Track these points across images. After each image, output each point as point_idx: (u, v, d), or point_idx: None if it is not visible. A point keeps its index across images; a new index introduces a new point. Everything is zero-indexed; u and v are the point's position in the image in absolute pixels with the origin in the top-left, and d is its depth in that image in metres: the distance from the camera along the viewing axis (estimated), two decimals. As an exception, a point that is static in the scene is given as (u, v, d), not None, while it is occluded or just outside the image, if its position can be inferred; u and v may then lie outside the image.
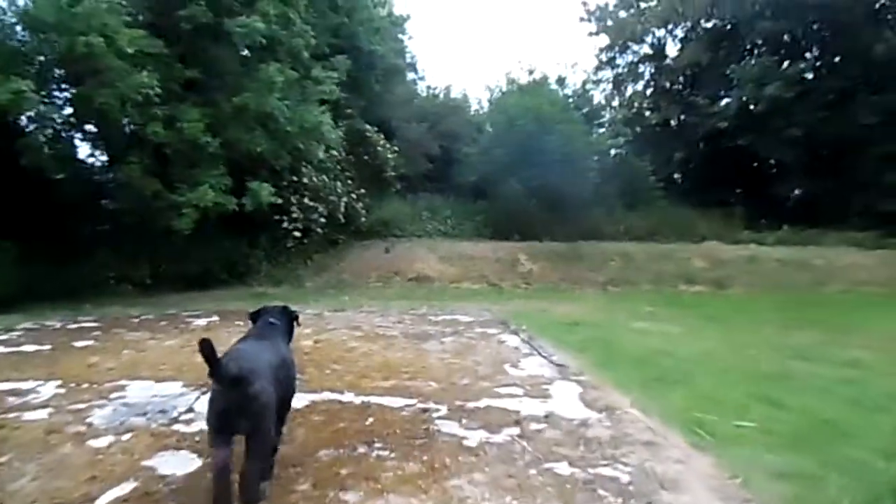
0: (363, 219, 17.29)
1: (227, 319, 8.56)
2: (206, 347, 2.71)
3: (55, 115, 9.71)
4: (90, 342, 6.89)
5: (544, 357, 6.42)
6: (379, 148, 18.15)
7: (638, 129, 27.86)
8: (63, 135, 10.50)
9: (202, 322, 8.35)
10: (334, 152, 16.12)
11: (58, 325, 8.10)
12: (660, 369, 6.57)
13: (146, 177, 10.17)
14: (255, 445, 2.87)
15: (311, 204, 14.78)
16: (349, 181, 16.84)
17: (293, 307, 4.01)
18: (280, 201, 14.15)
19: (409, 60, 26.91)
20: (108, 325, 7.98)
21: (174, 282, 12.93)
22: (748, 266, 18.47)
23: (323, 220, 15.09)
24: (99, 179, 11.14)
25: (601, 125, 25.05)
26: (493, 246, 17.96)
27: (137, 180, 9.94)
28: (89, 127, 10.99)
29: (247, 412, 2.81)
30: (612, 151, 23.79)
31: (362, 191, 17.40)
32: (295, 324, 3.93)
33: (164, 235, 12.21)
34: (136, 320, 8.50)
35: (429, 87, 29.77)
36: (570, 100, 23.47)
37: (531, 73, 24.63)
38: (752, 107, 23.76)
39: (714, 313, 12.77)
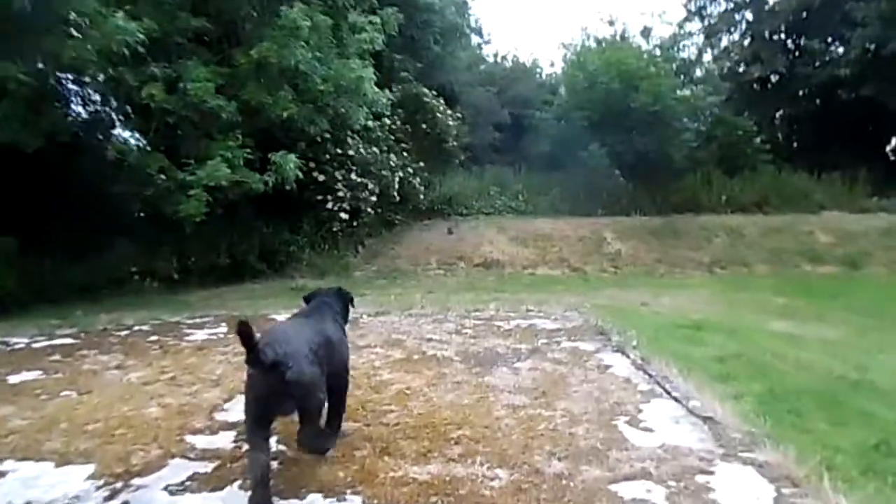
0: (422, 196, 15.12)
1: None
2: (245, 331, 2.66)
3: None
4: (35, 374, 5.03)
5: (678, 401, 4.06)
6: (439, 115, 15.87)
7: (735, 84, 24.35)
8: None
9: (200, 336, 6.40)
10: (386, 120, 13.97)
11: (23, 341, 6.36)
12: (869, 420, 4.10)
13: (148, 151, 8.35)
14: (307, 420, 2.90)
15: (360, 180, 12.73)
16: (405, 153, 14.68)
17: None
18: (322, 178, 12.23)
19: (472, 24, 24.40)
20: (85, 343, 6.15)
21: (204, 275, 11.21)
22: (885, 240, 15.21)
23: (374, 198, 13.03)
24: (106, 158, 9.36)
25: (693, 82, 21.75)
26: (574, 223, 15.43)
27: (136, 157, 8.09)
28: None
29: (290, 396, 2.78)
30: (708, 111, 20.54)
31: (420, 164, 15.20)
32: (350, 306, 3.83)
33: (192, 223, 10.51)
34: (125, 332, 6.67)
35: (495, 54, 27.26)
36: (658, 53, 20.38)
37: (612, 23, 21.68)
38: (878, 51, 19.94)
39: (865, 304, 9.93)
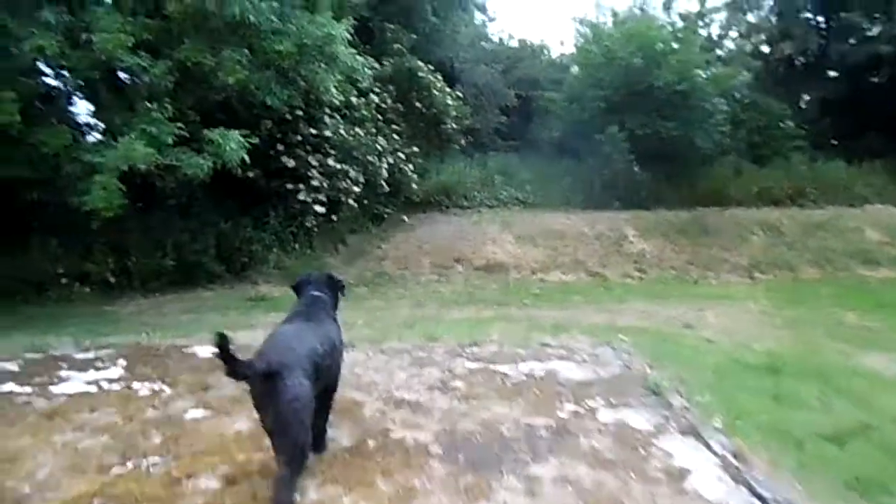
0: (415, 185, 13.08)
1: (134, 371, 4.70)
2: (223, 343, 2.44)
3: None
4: None
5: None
6: (436, 92, 13.81)
7: (761, 65, 22.19)
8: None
9: (73, 385, 4.45)
10: (374, 97, 11.96)
11: None
12: None
13: (43, 127, 6.37)
14: (283, 446, 2.59)
15: (340, 166, 10.72)
16: (395, 136, 12.65)
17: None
18: (293, 163, 10.24)
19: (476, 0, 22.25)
20: None
21: (148, 280, 9.28)
22: (946, 238, 13.26)
23: (357, 188, 11.02)
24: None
25: (720, 60, 19.56)
26: (589, 218, 13.42)
27: (19, 129, 6.07)
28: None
29: (273, 410, 2.56)
30: (737, 93, 18.39)
31: (414, 149, 13.18)
32: (340, 294, 3.53)
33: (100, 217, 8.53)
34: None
35: (500, 34, 25.08)
36: (681, 27, 18.23)
37: (630, -5, 19.52)
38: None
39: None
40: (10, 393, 4.27)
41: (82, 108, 9.55)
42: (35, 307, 8.37)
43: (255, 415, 2.83)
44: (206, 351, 5.18)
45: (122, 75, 7.35)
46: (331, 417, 3.41)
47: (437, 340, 5.63)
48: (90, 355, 5.22)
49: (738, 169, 16.79)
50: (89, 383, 4.47)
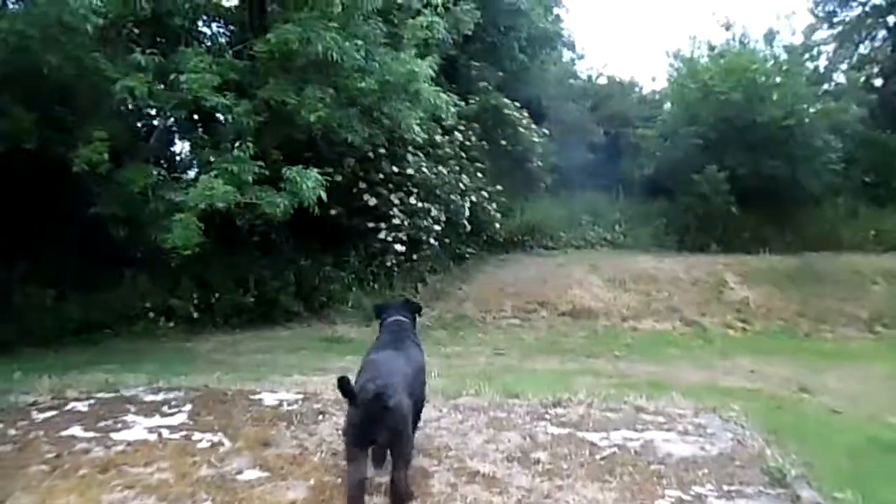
0: (498, 225, 12.69)
1: (198, 418, 4.50)
2: (345, 384, 3.00)
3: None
4: None
5: None
6: (522, 130, 13.47)
7: (875, 99, 20.50)
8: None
9: (136, 432, 4.27)
10: (458, 135, 11.76)
11: None
12: None
13: (132, 163, 6.47)
14: (399, 453, 3.08)
15: (422, 205, 10.50)
16: (479, 174, 12.36)
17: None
18: (375, 201, 10.12)
19: (565, 37, 21.96)
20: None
21: (229, 316, 9.31)
22: None
23: (438, 227, 10.74)
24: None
25: (829, 94, 18.18)
26: (684, 261, 12.55)
27: (107, 168, 6.15)
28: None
29: (387, 425, 2.99)
30: (849, 130, 16.94)
31: (498, 187, 12.82)
32: (418, 315, 4.15)
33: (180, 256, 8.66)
34: (46, 414, 4.68)
35: (589, 71, 24.60)
36: (785, 59, 17.09)
37: (728, 27, 18.59)
38: None
39: None
40: (72, 437, 4.13)
41: (180, 148, 9.95)
42: (122, 341, 8.52)
43: (312, 482, 3.04)
44: (273, 398, 4.95)
45: (216, 115, 7.54)
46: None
47: (518, 397, 5.11)
48: (159, 398, 5.07)
49: (852, 210, 15.39)
50: (151, 430, 4.27)
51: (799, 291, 11.47)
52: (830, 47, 22.68)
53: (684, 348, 8.62)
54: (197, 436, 4.16)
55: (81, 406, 4.86)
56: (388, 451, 3.17)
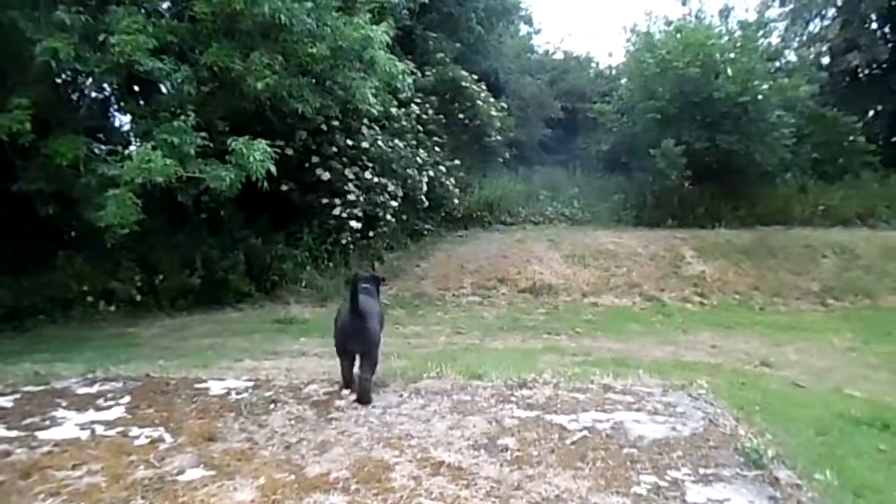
0: (456, 200, 12.43)
1: (136, 412, 4.13)
2: (354, 286, 4.25)
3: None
4: None
5: None
6: (480, 103, 13.17)
7: (825, 77, 20.89)
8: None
9: (65, 430, 3.89)
10: (415, 107, 11.39)
11: None
12: None
13: (61, 134, 5.89)
14: (368, 362, 4.22)
15: (378, 180, 10.13)
16: (437, 148, 12.04)
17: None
18: (328, 176, 9.71)
19: (521, 12, 21.65)
20: None
21: (176, 298, 8.82)
22: None
23: (395, 203, 10.41)
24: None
25: (781, 70, 18.41)
26: (642, 237, 12.55)
27: (30, 138, 5.56)
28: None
29: (361, 342, 4.19)
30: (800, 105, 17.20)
31: (456, 162, 12.53)
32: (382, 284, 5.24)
33: (159, 232, 8.24)
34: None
35: (546, 44, 24.41)
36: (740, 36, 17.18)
37: (684, 3, 18.60)
38: None
39: None
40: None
41: (122, 121, 9.29)
42: (57, 328, 7.97)
43: (262, 481, 3.01)
44: (220, 387, 4.60)
45: (155, 83, 7.00)
46: (354, 486, 2.77)
47: (481, 378, 4.88)
48: (94, 390, 4.65)
49: (802, 186, 15.69)
50: (83, 427, 3.88)
51: (753, 266, 11.60)
52: (782, 24, 23.03)
53: (645, 323, 8.57)
54: (135, 431, 3.79)
55: (5, 402, 4.40)
56: (360, 359, 4.23)
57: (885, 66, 20.87)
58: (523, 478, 3.15)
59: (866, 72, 21.52)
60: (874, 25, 21.76)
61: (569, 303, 9.79)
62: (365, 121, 9.86)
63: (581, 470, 3.24)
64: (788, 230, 13.65)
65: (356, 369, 4.29)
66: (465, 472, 3.22)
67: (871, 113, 21.71)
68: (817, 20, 22.95)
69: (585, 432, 3.78)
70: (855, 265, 11.95)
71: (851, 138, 16.92)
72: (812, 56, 21.61)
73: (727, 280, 11.06)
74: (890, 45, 20.47)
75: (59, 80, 6.90)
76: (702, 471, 3.26)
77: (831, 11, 22.81)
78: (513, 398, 4.40)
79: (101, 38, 5.61)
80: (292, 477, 3.12)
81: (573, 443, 3.62)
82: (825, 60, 21.79)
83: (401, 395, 4.46)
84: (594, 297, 10.03)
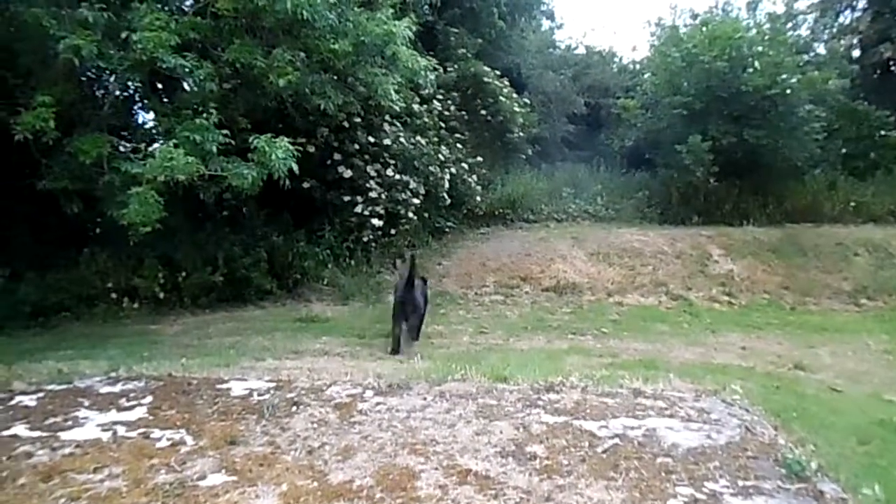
0: (479, 198, 12.29)
1: (158, 413, 4.10)
2: (412, 262, 6.90)
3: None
4: None
5: None
6: (503, 99, 13.00)
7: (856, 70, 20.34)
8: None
9: (87, 430, 3.86)
10: (437, 104, 11.29)
11: None
12: None
13: (85, 132, 5.90)
14: (415, 325, 6.67)
15: (400, 177, 10.05)
16: (459, 145, 11.91)
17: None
18: (350, 174, 9.65)
19: (544, 4, 21.41)
20: None
21: (198, 296, 8.83)
22: None
23: (417, 200, 10.31)
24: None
25: (811, 63, 17.94)
26: (668, 234, 12.31)
27: (54, 136, 5.55)
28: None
29: (414, 307, 6.55)
30: (831, 99, 16.74)
31: (478, 159, 12.38)
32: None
33: (183, 230, 8.25)
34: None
35: (568, 39, 24.17)
36: (768, 28, 16.78)
37: (710, -5, 18.23)
38: None
39: None
40: (14, 438, 3.69)
41: (147, 118, 9.29)
42: (82, 324, 8.02)
43: (284, 488, 2.97)
44: (242, 388, 4.55)
45: (178, 81, 6.98)
46: (379, 494, 2.69)
47: (507, 381, 4.77)
48: (117, 389, 4.63)
49: (832, 182, 15.25)
50: (105, 428, 3.85)
51: (783, 264, 11.33)
52: (812, 16, 22.48)
53: (672, 324, 8.39)
54: (156, 433, 3.75)
55: (29, 400, 4.40)
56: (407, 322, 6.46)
57: (919, 58, 20.26)
58: (554, 488, 3.04)
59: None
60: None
61: (593, 302, 9.62)
62: (387, 117, 9.77)
63: (614, 480, 3.12)
64: (818, 227, 13.28)
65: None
66: (493, 480, 3.13)
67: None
68: (847, 11, 22.36)
69: (616, 440, 3.66)
70: (889, 263, 11.61)
71: (883, 133, 16.34)
72: (842, 48, 21.04)
73: (756, 279, 10.80)
74: (924, 36, 19.85)
75: (82, 78, 6.92)
76: (741, 483, 3.13)
77: (862, 2, 22.20)
78: (540, 402, 4.29)
79: (123, 35, 5.59)
80: (315, 484, 3.05)
81: (604, 451, 3.50)
82: (856, 53, 21.20)
83: (425, 399, 4.38)
84: (619, 297, 9.84)
